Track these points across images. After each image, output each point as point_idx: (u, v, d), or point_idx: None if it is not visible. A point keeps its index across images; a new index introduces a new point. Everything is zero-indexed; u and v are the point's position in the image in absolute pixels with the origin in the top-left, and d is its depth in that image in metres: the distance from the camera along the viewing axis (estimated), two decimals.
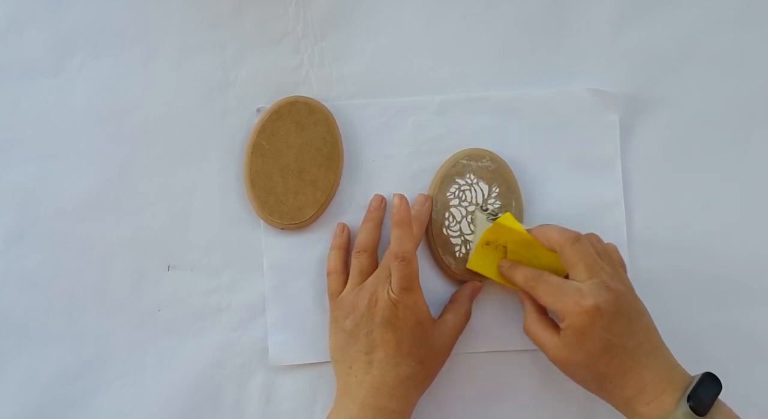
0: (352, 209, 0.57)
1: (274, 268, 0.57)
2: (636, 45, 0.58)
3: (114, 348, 0.57)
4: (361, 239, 0.56)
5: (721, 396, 0.48)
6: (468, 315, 0.55)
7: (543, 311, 0.52)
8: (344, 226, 0.57)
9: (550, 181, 0.57)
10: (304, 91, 0.58)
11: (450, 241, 0.56)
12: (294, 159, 0.56)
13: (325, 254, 0.57)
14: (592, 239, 0.51)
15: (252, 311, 0.57)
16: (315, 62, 0.58)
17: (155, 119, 0.58)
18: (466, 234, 0.56)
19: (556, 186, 0.57)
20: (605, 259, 0.50)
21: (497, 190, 0.56)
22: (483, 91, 0.58)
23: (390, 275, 0.51)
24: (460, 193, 0.56)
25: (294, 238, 0.57)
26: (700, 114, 0.58)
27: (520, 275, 0.52)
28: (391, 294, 0.51)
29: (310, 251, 0.57)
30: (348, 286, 0.54)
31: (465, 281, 0.56)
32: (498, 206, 0.56)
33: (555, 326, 0.50)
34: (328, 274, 0.56)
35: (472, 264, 0.54)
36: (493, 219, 0.53)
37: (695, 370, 0.57)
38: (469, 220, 0.56)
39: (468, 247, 0.56)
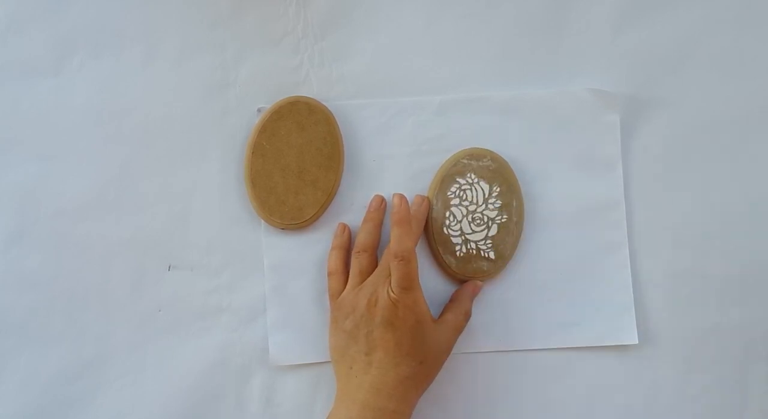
0: (352, 209, 0.57)
1: (274, 268, 0.57)
2: (636, 45, 0.58)
3: (114, 348, 0.56)
4: (361, 239, 0.56)
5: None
6: (468, 315, 0.55)
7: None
8: (345, 226, 0.57)
9: (550, 181, 0.57)
10: (304, 91, 0.58)
11: (450, 240, 0.56)
12: (294, 159, 0.56)
13: (326, 254, 0.57)
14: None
15: (252, 311, 0.57)
16: (315, 62, 0.58)
17: (155, 119, 0.58)
18: (467, 234, 0.56)
19: (557, 186, 0.57)
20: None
21: (498, 189, 0.56)
22: (483, 91, 0.58)
23: (389, 274, 0.51)
24: (461, 192, 0.56)
25: (294, 238, 0.57)
26: (700, 114, 0.58)
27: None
28: (391, 294, 0.50)
29: (311, 251, 0.57)
30: (348, 286, 0.54)
31: (465, 280, 0.56)
32: (499, 205, 0.56)
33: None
34: (329, 274, 0.56)
35: None
36: None
37: (695, 370, 0.57)
38: (470, 219, 0.56)
39: (469, 246, 0.56)
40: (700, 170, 0.58)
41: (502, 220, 0.56)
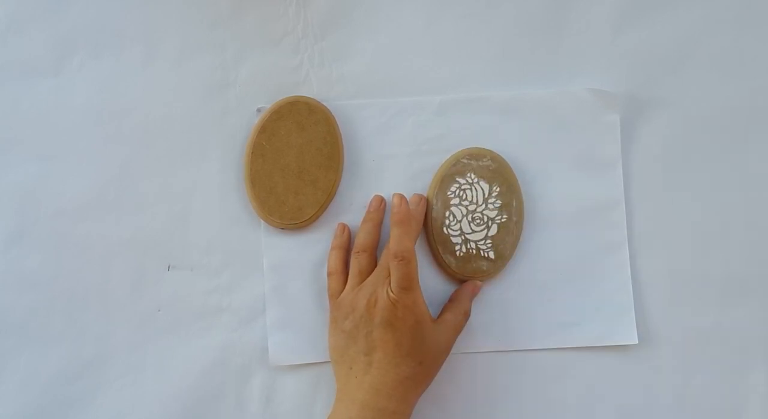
0: (352, 209, 0.57)
1: (274, 268, 0.57)
2: (636, 45, 0.58)
3: (114, 348, 0.56)
4: (361, 240, 0.56)
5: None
6: (467, 315, 0.55)
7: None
8: (345, 226, 0.57)
9: (550, 181, 0.57)
10: (304, 91, 0.58)
11: (450, 240, 0.56)
12: (294, 159, 0.56)
13: (325, 254, 0.57)
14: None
15: (252, 311, 0.57)
16: (315, 62, 0.58)
17: (155, 119, 0.58)
18: (467, 233, 0.56)
19: (557, 186, 0.57)
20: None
21: (498, 189, 0.56)
22: (483, 91, 0.58)
23: (389, 274, 0.51)
24: (461, 192, 0.56)
25: (294, 238, 0.57)
26: (700, 114, 0.58)
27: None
28: (391, 294, 0.50)
29: (310, 251, 0.57)
30: (347, 286, 0.54)
31: (465, 280, 0.56)
32: (498, 205, 0.56)
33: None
34: (329, 274, 0.56)
35: None
36: None
37: (695, 370, 0.57)
38: (470, 219, 0.56)
39: (468, 246, 0.56)
40: (700, 170, 0.58)
41: (502, 220, 0.56)
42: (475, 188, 0.56)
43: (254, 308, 0.57)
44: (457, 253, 0.56)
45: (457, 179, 0.56)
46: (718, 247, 0.57)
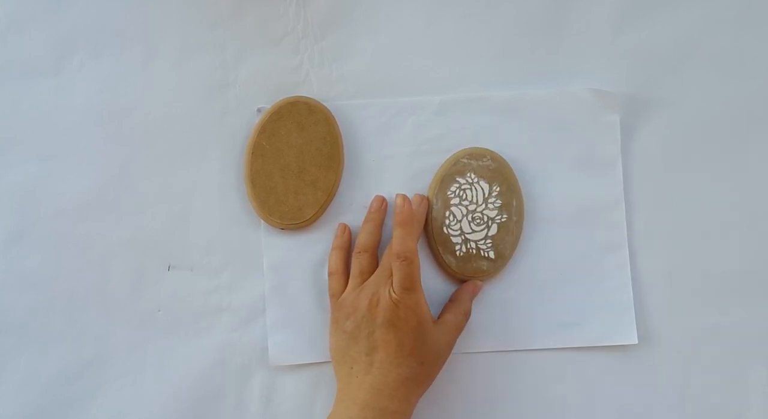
0: (352, 209, 0.57)
1: (274, 268, 0.57)
2: (636, 45, 0.58)
3: (114, 348, 0.56)
4: (362, 240, 0.56)
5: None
6: (468, 315, 0.55)
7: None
8: (345, 226, 0.57)
9: (550, 180, 0.57)
10: (304, 91, 0.58)
11: (450, 240, 0.56)
12: (294, 159, 0.56)
13: (326, 254, 0.57)
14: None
15: (252, 311, 0.57)
16: (315, 62, 0.58)
17: (155, 119, 0.58)
18: (467, 233, 0.56)
19: (557, 186, 0.57)
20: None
21: (498, 189, 0.56)
22: (483, 91, 0.58)
23: (391, 275, 0.51)
24: (461, 192, 0.56)
25: (294, 238, 0.57)
26: (700, 114, 0.58)
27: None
28: (393, 295, 0.50)
29: (310, 251, 0.57)
30: (349, 287, 0.54)
31: (465, 280, 0.56)
32: (498, 204, 0.56)
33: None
34: (329, 274, 0.56)
35: None
36: None
37: (695, 370, 0.57)
38: (470, 219, 0.56)
39: (468, 246, 0.56)
40: (700, 170, 0.58)
41: (502, 219, 0.56)
42: (475, 188, 0.56)
43: (254, 308, 0.57)
44: (457, 253, 0.56)
45: (457, 178, 0.56)
46: (718, 247, 0.57)
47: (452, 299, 0.56)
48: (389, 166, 0.58)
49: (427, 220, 0.56)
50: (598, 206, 0.57)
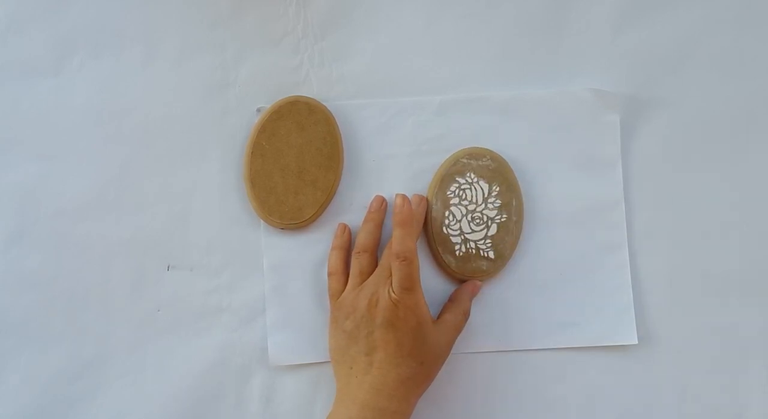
0: (352, 209, 0.57)
1: (274, 268, 0.57)
2: (636, 45, 0.58)
3: (114, 348, 0.56)
4: (362, 240, 0.56)
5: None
6: (467, 315, 0.55)
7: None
8: (345, 226, 0.57)
9: (550, 180, 0.57)
10: (304, 91, 0.58)
11: (450, 240, 0.56)
12: (294, 159, 0.56)
13: (325, 254, 0.57)
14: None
15: (252, 311, 0.57)
16: (315, 62, 0.58)
17: (155, 119, 0.58)
18: (466, 233, 0.56)
19: (557, 186, 0.57)
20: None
21: (497, 189, 0.56)
22: (483, 91, 0.58)
23: (390, 275, 0.51)
24: (461, 192, 0.56)
25: (294, 238, 0.57)
26: (700, 114, 0.58)
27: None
28: (392, 295, 0.50)
29: (310, 251, 0.57)
30: (348, 287, 0.54)
31: (464, 280, 0.56)
32: (498, 204, 0.56)
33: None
34: (329, 274, 0.56)
35: None
36: None
37: (694, 370, 0.57)
38: (469, 219, 0.56)
39: (468, 246, 0.56)
40: (700, 170, 0.58)
41: (502, 219, 0.56)
42: (475, 188, 0.56)
43: (254, 308, 0.57)
44: (457, 253, 0.56)
45: (457, 178, 0.56)
46: (718, 247, 0.57)
47: (452, 299, 0.56)
48: (389, 166, 0.58)
49: (426, 220, 0.56)
50: (598, 206, 0.57)
